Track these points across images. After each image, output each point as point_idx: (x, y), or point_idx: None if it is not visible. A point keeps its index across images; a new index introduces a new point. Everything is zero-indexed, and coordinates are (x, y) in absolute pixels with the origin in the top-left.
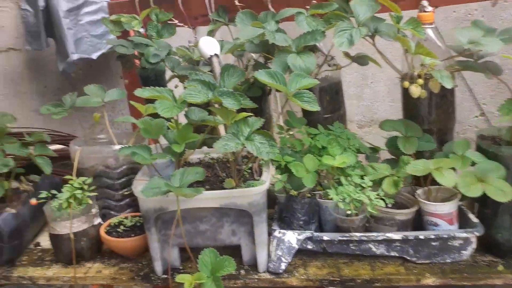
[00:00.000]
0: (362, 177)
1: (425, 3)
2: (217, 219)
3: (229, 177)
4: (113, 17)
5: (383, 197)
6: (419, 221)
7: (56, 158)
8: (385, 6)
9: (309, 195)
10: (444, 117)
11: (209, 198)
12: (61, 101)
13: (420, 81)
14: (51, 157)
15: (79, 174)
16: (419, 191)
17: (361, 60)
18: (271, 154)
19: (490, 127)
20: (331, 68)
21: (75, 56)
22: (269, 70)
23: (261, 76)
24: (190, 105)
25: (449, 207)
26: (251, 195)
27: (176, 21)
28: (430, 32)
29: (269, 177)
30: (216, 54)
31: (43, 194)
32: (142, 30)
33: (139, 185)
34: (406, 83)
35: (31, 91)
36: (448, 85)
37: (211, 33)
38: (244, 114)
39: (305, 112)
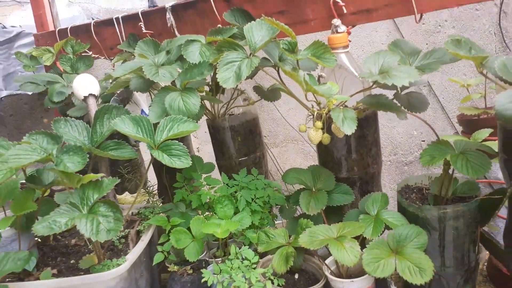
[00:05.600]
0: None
1: (336, 21)
2: None
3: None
4: (29, 50)
5: (272, 277)
6: None
7: None
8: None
9: (190, 270)
10: (364, 161)
11: None
12: None
13: (318, 124)
14: None
15: None
16: (329, 260)
17: (272, 94)
18: (113, 232)
19: (418, 175)
20: (242, 103)
21: (3, 93)
22: (135, 116)
23: (121, 124)
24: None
25: (361, 284)
26: (102, 281)
27: (90, 53)
28: (344, 58)
29: (139, 250)
30: (92, 94)
31: None
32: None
33: None
34: (303, 127)
35: None
36: (348, 130)
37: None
38: (92, 176)
39: (216, 155)
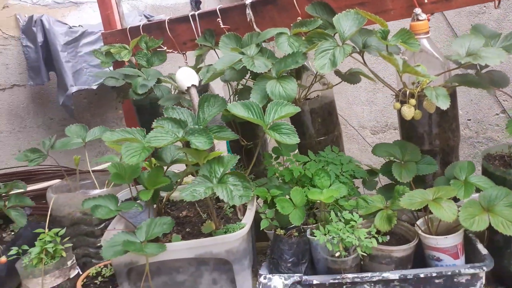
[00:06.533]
0: (355, 211)
1: (418, 10)
2: (195, 268)
3: (210, 218)
4: (104, 48)
5: (376, 235)
6: (422, 254)
7: None
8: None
9: (296, 233)
10: (446, 135)
11: (181, 249)
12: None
13: (413, 101)
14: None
15: (57, 223)
16: (419, 221)
17: (352, 78)
18: (244, 198)
19: (498, 145)
20: (321, 87)
21: (73, 89)
22: (245, 102)
23: (235, 109)
24: None
25: (452, 240)
26: (229, 242)
27: (165, 48)
28: (425, 42)
29: (251, 217)
30: (193, 85)
31: (14, 250)
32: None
33: (110, 237)
34: (397, 105)
35: (37, 125)
36: (444, 105)
37: (199, 58)
38: (217, 152)
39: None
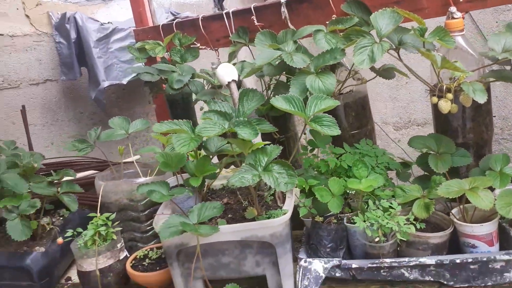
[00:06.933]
0: (391, 200)
1: (453, 9)
2: (240, 251)
3: (251, 205)
4: (138, 44)
5: (413, 222)
6: (456, 242)
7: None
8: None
9: (335, 220)
10: (480, 128)
11: (228, 232)
12: (92, 131)
13: (450, 95)
14: (87, 183)
15: (105, 209)
16: (454, 210)
17: (386, 73)
18: (290, 185)
19: None
20: (355, 82)
21: (105, 84)
22: (286, 96)
23: (277, 102)
24: None
25: (488, 228)
26: (273, 226)
27: (198, 44)
28: (460, 40)
29: (292, 204)
30: (234, 80)
31: (69, 232)
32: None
33: (160, 221)
34: (435, 99)
35: (68, 118)
36: (481, 100)
37: (232, 55)
38: (262, 143)
39: None
